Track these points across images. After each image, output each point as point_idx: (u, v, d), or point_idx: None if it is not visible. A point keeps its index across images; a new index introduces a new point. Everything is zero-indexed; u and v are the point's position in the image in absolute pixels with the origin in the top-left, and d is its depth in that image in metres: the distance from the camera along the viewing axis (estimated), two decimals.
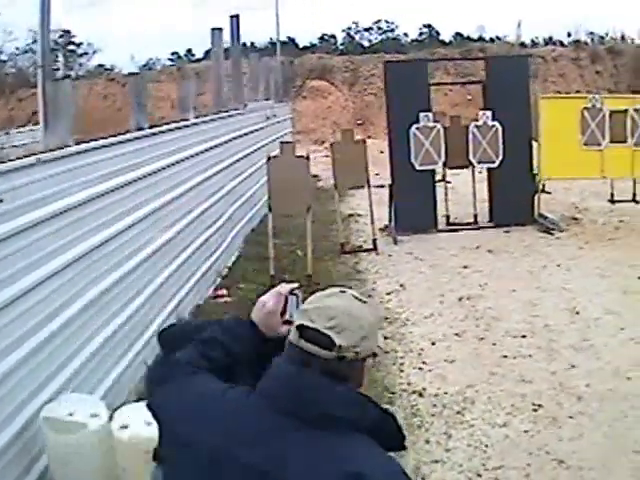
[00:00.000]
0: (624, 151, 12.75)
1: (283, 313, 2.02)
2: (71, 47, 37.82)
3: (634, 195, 14.35)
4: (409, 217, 12.08)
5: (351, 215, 13.88)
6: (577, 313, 8.04)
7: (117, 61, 36.38)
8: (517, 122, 12.43)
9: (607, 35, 32.68)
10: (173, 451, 1.84)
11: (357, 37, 49.86)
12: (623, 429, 5.42)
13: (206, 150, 9.37)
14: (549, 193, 14.90)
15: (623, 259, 10.28)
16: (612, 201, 14.35)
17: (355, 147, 11.23)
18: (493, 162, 12.70)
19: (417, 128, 12.34)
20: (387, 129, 13.01)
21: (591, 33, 32.44)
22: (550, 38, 36.95)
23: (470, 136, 12.64)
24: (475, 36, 40.61)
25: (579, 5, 63.09)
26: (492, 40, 37.79)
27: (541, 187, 14.52)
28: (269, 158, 10.10)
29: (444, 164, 12.97)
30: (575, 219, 13.24)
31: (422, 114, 12.40)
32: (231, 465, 1.69)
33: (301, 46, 42.72)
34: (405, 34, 46.22)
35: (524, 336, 7.38)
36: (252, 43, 40.69)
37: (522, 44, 31.47)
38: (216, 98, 12.21)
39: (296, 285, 2.11)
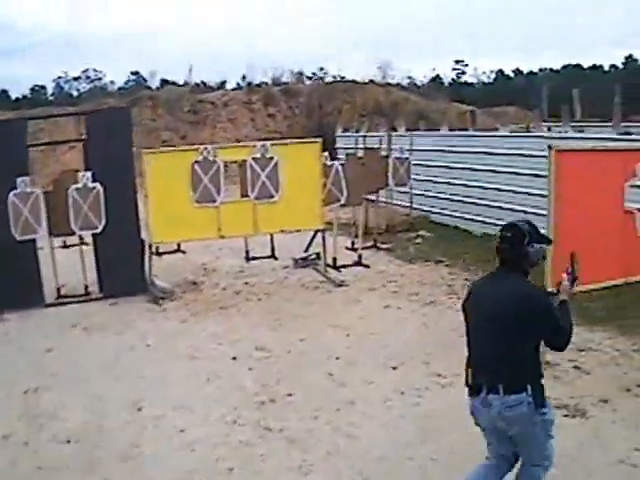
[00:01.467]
0: (244, 206, 11.52)
1: None
2: None
3: (272, 249, 13.29)
4: (12, 292, 10.56)
5: None
6: (139, 410, 6.88)
7: None
8: (120, 182, 11.08)
9: (282, 76, 32.30)
10: None
11: (66, 87, 48.13)
12: None
13: None
14: (184, 252, 13.85)
15: (224, 333, 9.21)
16: (247, 259, 13.17)
17: None
18: (96, 228, 11.23)
19: (15, 195, 10.81)
20: None
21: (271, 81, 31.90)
22: (223, 82, 36.51)
23: (70, 200, 11.09)
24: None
25: (253, 47, 64.73)
26: (163, 84, 36.59)
27: (176, 247, 13.69)
28: None
29: (50, 233, 11.29)
30: (195, 284, 11.97)
31: (19, 179, 10.83)
32: None
33: (13, 98, 39.39)
34: (112, 82, 44.54)
35: (69, 441, 6.24)
36: None
37: (194, 88, 30.32)
38: None
39: None
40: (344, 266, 12.41)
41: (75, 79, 49.19)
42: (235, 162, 12.22)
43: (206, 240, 12.05)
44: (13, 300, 10.57)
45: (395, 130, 19.31)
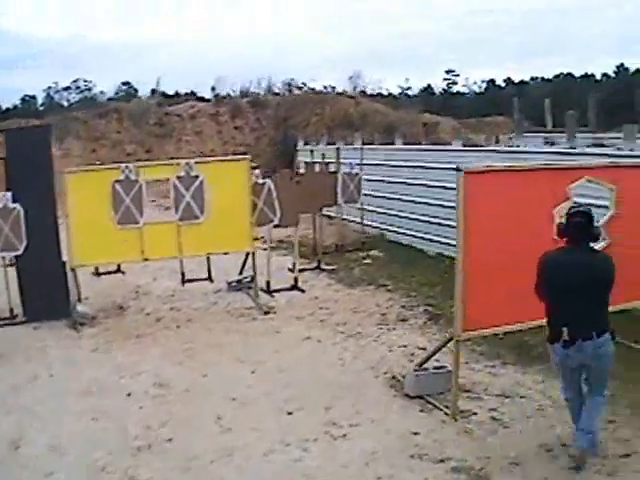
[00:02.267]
0: (168, 227, 10.90)
1: None
2: None
3: (209, 272, 12.67)
4: None
5: None
6: (17, 448, 6.37)
7: None
8: (40, 202, 10.53)
9: (251, 87, 31.70)
10: None
11: (57, 97, 48.08)
12: None
13: None
14: (123, 273, 13.30)
15: (131, 365, 8.61)
16: (183, 281, 12.54)
17: None
18: (17, 250, 10.68)
19: None
20: None
21: (234, 90, 31.29)
22: (192, 93, 35.91)
23: None
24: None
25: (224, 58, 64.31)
26: (131, 96, 35.99)
27: (116, 267, 13.22)
28: None
29: None
30: (121, 308, 11.39)
31: None
32: None
33: (4, 108, 38.98)
34: (102, 92, 44.15)
35: None
36: None
37: (161, 100, 29.68)
38: None
39: None
40: (278, 290, 11.76)
41: (65, 89, 48.91)
42: (158, 181, 11.52)
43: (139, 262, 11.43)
44: None
45: (370, 143, 18.61)
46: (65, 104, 43.57)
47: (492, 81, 66.70)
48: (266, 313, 10.69)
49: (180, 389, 7.78)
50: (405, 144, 17.49)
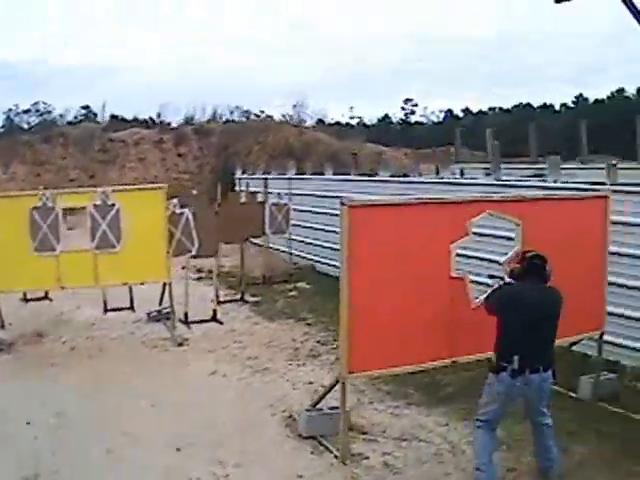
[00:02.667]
0: (85, 256, 10.81)
1: None
2: None
3: (131, 301, 12.56)
4: None
5: None
6: None
7: None
8: None
9: (195, 114, 31.75)
10: None
11: (17, 119, 47.51)
12: None
13: None
14: (50, 300, 13.31)
15: (36, 394, 8.54)
16: (105, 310, 12.41)
17: None
18: None
19: None
20: None
21: (185, 119, 31.31)
22: (135, 119, 35.81)
23: None
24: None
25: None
26: (77, 121, 35.81)
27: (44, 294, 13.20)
28: None
29: None
30: (39, 336, 11.31)
31: None
32: None
33: None
34: (61, 115, 43.70)
35: None
36: None
37: (104, 129, 29.57)
38: None
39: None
40: (196, 322, 11.68)
41: (25, 112, 48.53)
42: (74, 209, 11.43)
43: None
44: None
45: (302, 173, 18.71)
46: (25, 126, 43.03)
47: (450, 111, 67.20)
48: (179, 345, 10.65)
49: (78, 420, 7.71)
50: (335, 174, 17.52)
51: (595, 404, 7.65)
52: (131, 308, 12.73)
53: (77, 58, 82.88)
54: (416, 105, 66.07)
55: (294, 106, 33.14)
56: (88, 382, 8.98)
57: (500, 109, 64.32)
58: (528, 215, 6.85)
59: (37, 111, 49.40)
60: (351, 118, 54.28)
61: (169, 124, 30.96)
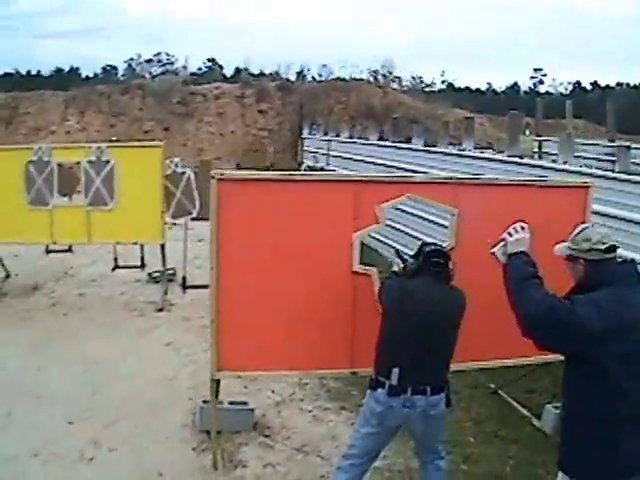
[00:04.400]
0: (77, 212, 10.55)
1: None
2: None
3: (142, 259, 12.34)
4: None
5: None
6: None
7: None
8: None
9: (279, 71, 31.28)
10: None
11: (138, 69, 48.53)
12: None
13: None
14: (72, 252, 13.14)
15: None
16: (115, 267, 12.34)
17: None
18: None
19: None
20: None
21: (263, 74, 30.87)
22: (222, 73, 35.60)
23: None
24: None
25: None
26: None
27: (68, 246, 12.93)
28: None
29: None
30: (35, 289, 11.38)
31: None
32: None
33: (84, 76, 39.63)
34: (184, 67, 44.19)
35: None
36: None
37: (185, 82, 29.43)
38: None
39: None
40: (193, 286, 11.26)
41: (147, 62, 49.18)
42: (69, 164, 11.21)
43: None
44: None
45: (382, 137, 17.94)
46: (147, 76, 43.70)
47: (578, 83, 64.50)
48: (159, 310, 10.31)
49: (2, 377, 7.66)
50: (394, 141, 16.57)
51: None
52: (142, 267, 12.50)
53: (204, 12, 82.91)
54: (545, 75, 63.69)
55: (382, 66, 32.09)
56: (41, 340, 8.85)
57: (627, 85, 61.27)
58: (466, 202, 5.56)
59: (159, 61, 49.75)
60: (442, 83, 52.57)
61: (252, 79, 30.44)
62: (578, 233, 3.54)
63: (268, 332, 5.43)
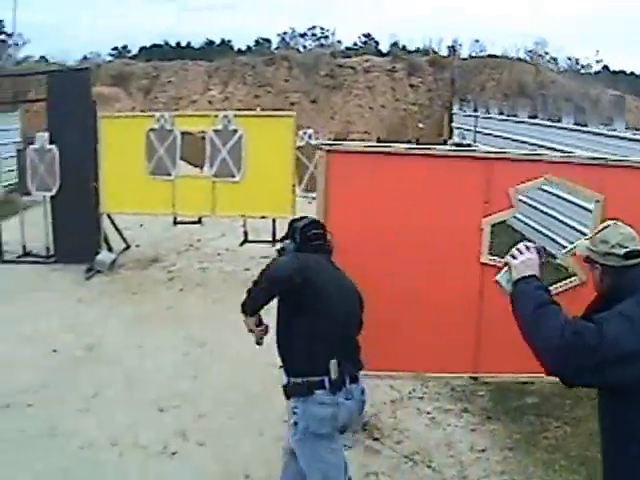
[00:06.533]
0: (202, 183, 10.17)
1: None
2: (1, 37, 35.66)
3: (273, 234, 11.78)
4: None
5: None
6: None
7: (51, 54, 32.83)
8: (77, 145, 10.25)
9: (430, 44, 30.18)
10: None
11: (292, 43, 48.90)
12: None
13: None
14: (201, 224, 12.19)
15: (88, 321, 8.26)
16: (244, 241, 11.83)
17: None
18: (50, 190, 10.62)
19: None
20: None
21: (420, 49, 29.84)
22: (378, 48, 34.62)
23: (28, 161, 10.65)
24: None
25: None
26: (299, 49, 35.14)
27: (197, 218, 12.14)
28: None
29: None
30: (154, 261, 11.01)
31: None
32: None
33: (236, 49, 40.37)
34: (339, 41, 44.08)
35: None
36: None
37: (333, 54, 28.71)
38: None
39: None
40: None
41: (301, 35, 49.30)
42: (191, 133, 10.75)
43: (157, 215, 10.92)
44: None
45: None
46: (301, 49, 43.67)
47: None
48: None
49: (98, 354, 7.32)
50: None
51: None
52: (273, 242, 11.93)
53: None
54: None
55: (536, 43, 30.31)
56: (146, 316, 8.46)
57: None
58: (614, 188, 4.71)
59: (314, 35, 49.51)
60: (597, 62, 49.27)
61: (403, 52, 29.46)
62: (598, 232, 2.90)
63: (381, 328, 4.58)
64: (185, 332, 7.90)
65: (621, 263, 2.77)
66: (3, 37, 35.65)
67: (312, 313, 3.72)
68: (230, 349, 7.31)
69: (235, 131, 10.10)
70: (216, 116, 10.37)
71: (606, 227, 2.88)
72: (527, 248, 2.95)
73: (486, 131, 15.77)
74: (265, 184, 10.04)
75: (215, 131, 10.13)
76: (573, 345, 2.55)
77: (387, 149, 4.91)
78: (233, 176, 10.17)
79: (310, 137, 10.70)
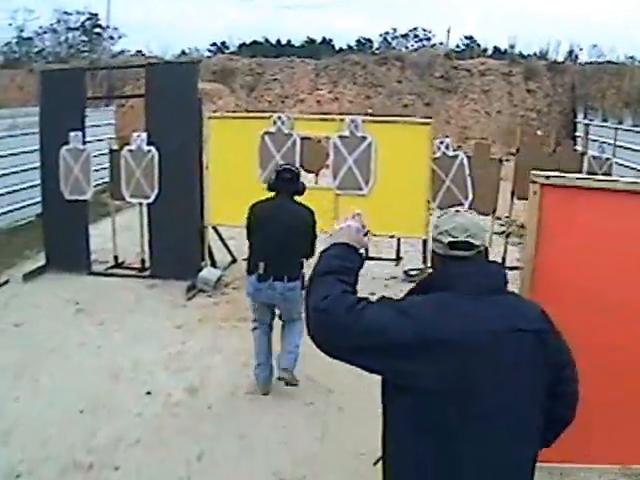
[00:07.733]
0: (323, 195, 8.92)
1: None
2: (97, 30, 35.53)
3: (397, 252, 10.45)
4: (61, 254, 9.69)
5: None
6: None
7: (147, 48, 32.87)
8: (180, 147, 9.06)
9: (548, 50, 28.23)
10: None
11: (394, 43, 48.28)
12: None
13: None
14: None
15: (171, 355, 7.00)
16: (365, 258, 10.28)
17: None
18: (147, 197, 9.40)
19: (67, 150, 9.56)
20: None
21: (537, 54, 27.93)
22: (484, 49, 32.72)
23: (123, 163, 9.45)
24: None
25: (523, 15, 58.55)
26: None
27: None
28: None
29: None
30: None
31: (72, 134, 9.50)
32: None
33: (337, 48, 39.59)
34: (441, 43, 42.94)
35: None
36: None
37: (448, 56, 26.93)
38: None
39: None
40: None
41: (403, 36, 48.51)
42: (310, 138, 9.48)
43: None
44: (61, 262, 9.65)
45: None
46: (404, 50, 42.61)
47: None
48: None
49: (202, 400, 6.04)
50: None
51: None
52: (397, 259, 10.46)
53: None
54: None
55: None
56: (244, 354, 6.83)
57: None
58: None
59: (415, 36, 48.48)
60: None
61: (520, 57, 27.54)
62: (439, 216, 2.72)
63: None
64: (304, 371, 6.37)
65: (446, 252, 2.56)
66: (98, 30, 35.37)
67: (254, 236, 5.85)
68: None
69: (364, 138, 8.75)
70: (342, 120, 9.03)
71: (445, 214, 2.71)
72: (354, 216, 2.84)
73: (627, 145, 14.07)
74: (396, 199, 8.83)
75: (340, 137, 8.82)
76: (328, 319, 2.43)
77: (612, 185, 3.82)
78: (360, 189, 8.82)
79: (448, 147, 9.23)
